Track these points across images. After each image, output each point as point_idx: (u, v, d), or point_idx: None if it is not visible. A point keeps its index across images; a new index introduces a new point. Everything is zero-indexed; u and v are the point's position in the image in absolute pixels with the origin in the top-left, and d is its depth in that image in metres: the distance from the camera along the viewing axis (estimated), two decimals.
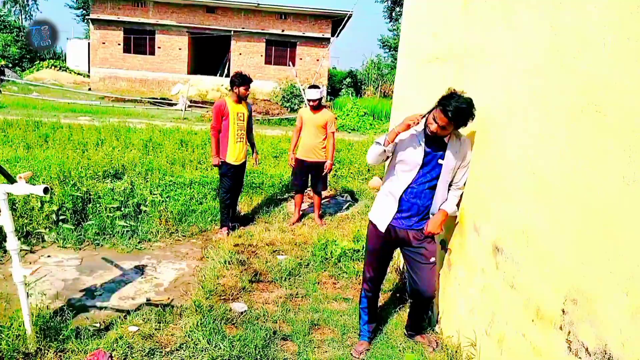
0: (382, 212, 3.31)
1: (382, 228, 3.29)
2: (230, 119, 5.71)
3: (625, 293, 1.81)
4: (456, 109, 2.87)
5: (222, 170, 5.88)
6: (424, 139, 3.12)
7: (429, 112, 3.05)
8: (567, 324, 2.16)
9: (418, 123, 3.03)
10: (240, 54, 31.12)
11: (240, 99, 5.80)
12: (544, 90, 2.44)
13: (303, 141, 6.32)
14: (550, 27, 2.41)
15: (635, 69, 1.80)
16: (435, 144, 3.13)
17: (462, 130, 3.22)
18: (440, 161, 3.14)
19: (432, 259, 3.29)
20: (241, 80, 5.71)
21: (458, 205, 3.38)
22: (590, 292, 2.03)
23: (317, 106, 6.16)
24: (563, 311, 2.20)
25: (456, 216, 3.45)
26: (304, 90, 23.11)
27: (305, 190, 6.77)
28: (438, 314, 3.78)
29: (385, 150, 3.15)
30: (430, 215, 3.28)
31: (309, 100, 6.18)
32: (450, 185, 3.29)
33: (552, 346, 2.27)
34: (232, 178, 5.89)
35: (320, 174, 6.36)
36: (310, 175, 6.46)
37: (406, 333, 3.66)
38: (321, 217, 6.73)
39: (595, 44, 2.05)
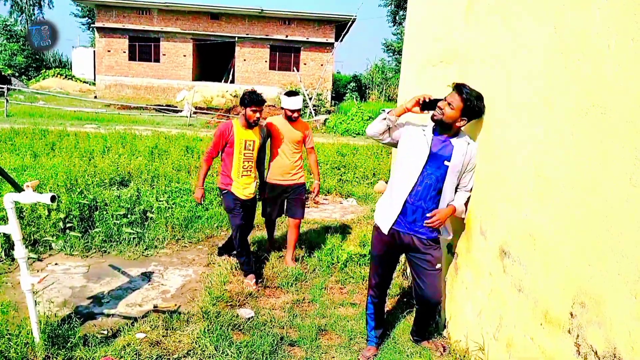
0: (385, 212, 3.30)
1: (385, 229, 3.27)
2: (235, 149, 4.56)
3: (633, 295, 1.80)
4: (470, 91, 3.03)
5: (228, 204, 4.67)
6: (431, 140, 3.12)
7: (441, 100, 3.12)
8: (576, 327, 2.15)
9: (426, 99, 3.10)
10: (244, 60, 31.25)
11: (250, 124, 4.59)
12: (548, 92, 2.44)
13: (276, 161, 5.02)
14: (553, 30, 2.40)
15: None
16: (442, 145, 3.13)
17: (468, 130, 3.22)
18: (446, 162, 3.13)
19: (438, 266, 3.27)
20: (249, 100, 4.47)
21: (466, 206, 3.37)
22: (598, 294, 2.01)
23: (295, 117, 4.99)
24: (571, 314, 2.19)
25: (463, 218, 3.44)
26: (308, 95, 23.15)
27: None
28: (446, 319, 3.77)
29: (386, 119, 3.18)
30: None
31: (290, 111, 4.93)
32: (456, 189, 3.28)
33: (561, 350, 2.25)
34: (241, 213, 4.66)
35: (300, 196, 5.15)
36: (285, 200, 5.17)
37: (412, 338, 3.64)
38: (296, 258, 5.29)
39: (599, 46, 2.05)
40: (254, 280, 4.61)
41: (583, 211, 2.12)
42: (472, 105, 3.01)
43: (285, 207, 5.22)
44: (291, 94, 5.03)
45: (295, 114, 4.95)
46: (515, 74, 2.82)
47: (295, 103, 4.93)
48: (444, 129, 3.11)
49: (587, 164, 2.10)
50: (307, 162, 5.41)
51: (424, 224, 3.19)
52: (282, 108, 5.04)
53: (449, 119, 3.05)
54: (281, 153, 5.00)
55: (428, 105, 3.11)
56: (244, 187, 4.66)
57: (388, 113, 3.17)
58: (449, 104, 3.02)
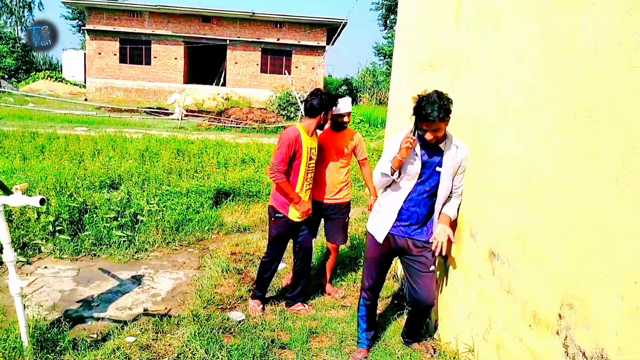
0: (380, 223, 3.31)
1: (380, 239, 3.29)
2: (303, 159, 3.90)
3: (620, 296, 1.82)
4: (433, 108, 2.86)
5: (280, 231, 4.03)
6: (420, 149, 3.13)
7: (415, 127, 3.05)
8: (564, 329, 2.17)
9: (415, 142, 3.03)
10: (236, 62, 31.24)
11: (320, 127, 4.07)
12: (537, 96, 2.46)
13: (318, 177, 4.27)
14: (541, 34, 2.43)
15: (626, 74, 1.82)
16: (432, 152, 3.14)
17: (454, 134, 3.24)
18: (438, 169, 3.14)
19: (432, 268, 3.28)
20: (329, 101, 3.97)
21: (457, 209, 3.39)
22: (586, 296, 2.03)
23: (346, 123, 4.28)
24: (559, 316, 2.20)
25: (456, 220, 3.45)
26: (300, 98, 23.13)
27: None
28: (436, 320, 3.78)
29: (394, 179, 3.16)
30: (435, 221, 3.27)
31: (340, 116, 4.20)
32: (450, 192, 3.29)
33: (550, 351, 2.27)
34: (283, 234, 4.07)
35: (342, 218, 4.42)
36: (325, 221, 4.47)
37: (403, 340, 3.65)
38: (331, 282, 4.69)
39: (586, 51, 2.07)
40: (261, 306, 4.20)
41: (571, 213, 2.15)
42: (449, 114, 2.95)
43: (325, 229, 4.53)
44: (338, 96, 4.17)
45: (347, 118, 4.21)
46: (504, 78, 2.85)
47: (344, 105, 4.16)
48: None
49: (575, 167, 2.12)
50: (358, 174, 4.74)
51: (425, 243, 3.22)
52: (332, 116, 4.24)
53: (442, 134, 3.05)
54: (325, 168, 4.28)
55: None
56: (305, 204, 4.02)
57: (391, 174, 3.11)
58: (432, 130, 2.95)
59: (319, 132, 4.26)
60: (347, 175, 4.39)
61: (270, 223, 4.07)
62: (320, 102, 3.91)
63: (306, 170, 3.96)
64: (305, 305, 4.27)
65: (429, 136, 2.98)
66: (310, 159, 3.99)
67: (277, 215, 3.99)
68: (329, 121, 4.18)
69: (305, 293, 4.34)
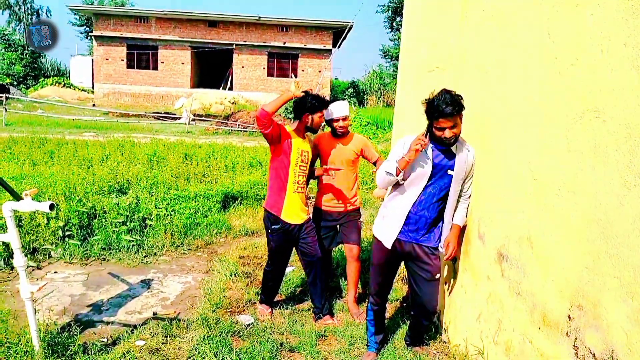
0: (388, 228, 3.28)
1: (388, 245, 3.26)
2: (292, 160, 3.84)
3: (630, 297, 1.81)
4: (447, 103, 2.87)
5: (274, 243, 3.99)
6: (432, 152, 3.11)
7: (429, 128, 3.05)
8: (574, 330, 2.16)
9: (426, 145, 3.02)
10: (242, 67, 31.35)
11: (311, 130, 3.98)
12: (542, 97, 2.46)
13: (326, 185, 4.20)
14: (547, 35, 2.43)
15: (632, 74, 1.82)
16: (444, 155, 3.11)
17: (466, 138, 3.24)
18: (450, 172, 3.12)
19: (437, 275, 3.26)
20: (319, 104, 3.89)
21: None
22: (595, 297, 2.02)
23: (343, 128, 4.09)
24: (569, 317, 2.19)
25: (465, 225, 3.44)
26: None
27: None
28: (445, 323, 3.77)
29: (398, 180, 3.15)
30: (444, 229, 3.27)
31: (335, 120, 4.05)
32: (459, 196, 3.27)
33: (560, 353, 2.26)
34: (282, 245, 4.02)
35: (354, 220, 4.28)
36: (339, 226, 4.33)
37: (406, 343, 3.64)
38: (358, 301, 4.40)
39: (592, 51, 2.07)
40: (270, 310, 4.20)
41: (579, 214, 2.14)
42: (462, 108, 2.94)
43: (339, 234, 4.38)
44: (332, 100, 4.10)
45: (342, 123, 4.03)
46: (509, 79, 2.84)
47: (338, 109, 4.02)
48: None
49: (582, 168, 2.12)
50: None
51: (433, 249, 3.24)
52: (326, 122, 4.14)
53: (459, 131, 3.04)
54: (331, 176, 4.13)
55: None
56: (298, 207, 3.93)
57: (396, 174, 3.08)
58: (450, 127, 2.93)
59: (312, 137, 4.23)
60: (356, 181, 4.28)
61: (267, 234, 4.02)
62: (299, 103, 3.87)
63: (297, 171, 3.87)
64: (334, 319, 4.12)
65: (448, 133, 2.95)
66: (303, 161, 3.89)
67: (273, 227, 3.91)
68: (323, 127, 4.11)
69: (329, 304, 4.19)
